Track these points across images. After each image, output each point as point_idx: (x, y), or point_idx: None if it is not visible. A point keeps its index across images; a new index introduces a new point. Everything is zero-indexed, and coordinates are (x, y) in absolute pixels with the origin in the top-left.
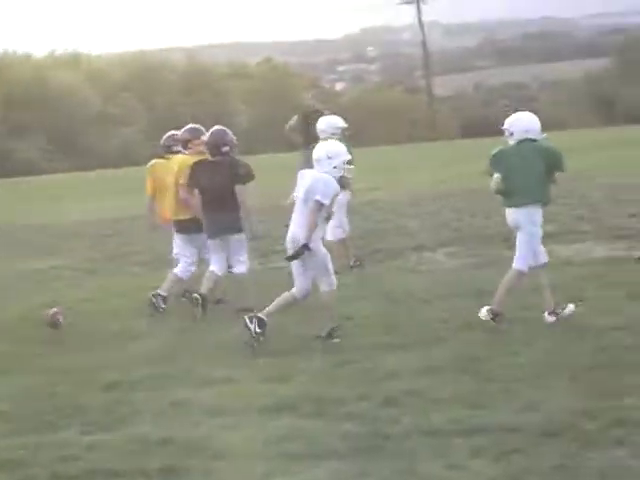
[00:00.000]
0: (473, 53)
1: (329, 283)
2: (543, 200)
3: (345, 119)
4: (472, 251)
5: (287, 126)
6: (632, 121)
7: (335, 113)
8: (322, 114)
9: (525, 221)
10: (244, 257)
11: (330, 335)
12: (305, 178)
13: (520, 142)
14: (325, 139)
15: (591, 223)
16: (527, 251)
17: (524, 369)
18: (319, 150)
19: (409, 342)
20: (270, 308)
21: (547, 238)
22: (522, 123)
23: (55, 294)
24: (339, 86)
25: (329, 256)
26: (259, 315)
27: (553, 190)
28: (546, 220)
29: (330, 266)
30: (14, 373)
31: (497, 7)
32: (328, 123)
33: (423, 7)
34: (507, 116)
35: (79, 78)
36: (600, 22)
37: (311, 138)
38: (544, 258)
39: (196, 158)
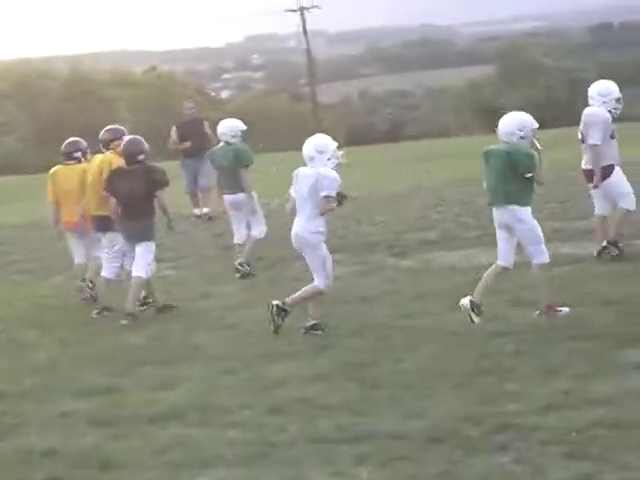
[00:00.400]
0: (357, 61)
1: (324, 283)
2: (509, 201)
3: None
4: (357, 258)
5: (170, 141)
6: None
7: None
8: (201, 122)
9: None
10: (149, 261)
11: (314, 328)
12: (302, 177)
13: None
14: (227, 142)
15: (475, 230)
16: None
17: (409, 375)
18: (308, 147)
19: (295, 350)
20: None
21: (431, 245)
22: (500, 125)
23: None
24: (225, 94)
25: (330, 257)
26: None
27: (435, 198)
28: (429, 227)
29: (329, 265)
30: None
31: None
32: (228, 127)
33: (307, 15)
34: (391, 123)
35: None
36: (480, 29)
37: (196, 146)
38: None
39: (118, 158)
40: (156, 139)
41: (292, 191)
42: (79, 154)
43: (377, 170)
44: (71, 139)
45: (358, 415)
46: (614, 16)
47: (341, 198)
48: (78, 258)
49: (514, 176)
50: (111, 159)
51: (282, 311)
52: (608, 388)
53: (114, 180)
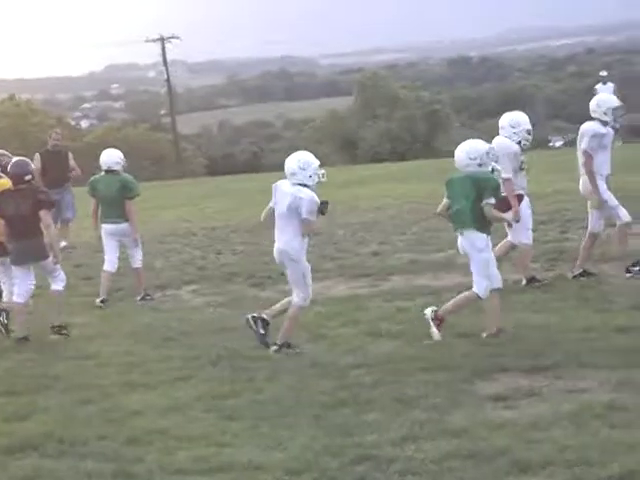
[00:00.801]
0: (218, 92)
1: (303, 297)
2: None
3: (92, 157)
4: (217, 289)
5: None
6: (374, 159)
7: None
8: (66, 154)
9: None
10: (60, 275)
11: (285, 345)
12: (281, 193)
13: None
14: (110, 172)
15: (334, 261)
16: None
17: (269, 406)
18: (290, 162)
19: (153, 381)
20: (276, 308)
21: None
22: (455, 158)
23: None
24: (85, 123)
25: (309, 269)
26: (263, 316)
27: None
28: None
29: (309, 280)
30: None
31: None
32: (111, 156)
33: (168, 45)
34: (251, 154)
35: None
36: (340, 61)
37: (59, 177)
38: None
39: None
40: None
41: (271, 203)
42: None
43: (238, 200)
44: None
45: (217, 446)
46: (472, 50)
47: (323, 208)
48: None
49: (477, 202)
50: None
51: (261, 320)
52: (463, 419)
53: (2, 202)
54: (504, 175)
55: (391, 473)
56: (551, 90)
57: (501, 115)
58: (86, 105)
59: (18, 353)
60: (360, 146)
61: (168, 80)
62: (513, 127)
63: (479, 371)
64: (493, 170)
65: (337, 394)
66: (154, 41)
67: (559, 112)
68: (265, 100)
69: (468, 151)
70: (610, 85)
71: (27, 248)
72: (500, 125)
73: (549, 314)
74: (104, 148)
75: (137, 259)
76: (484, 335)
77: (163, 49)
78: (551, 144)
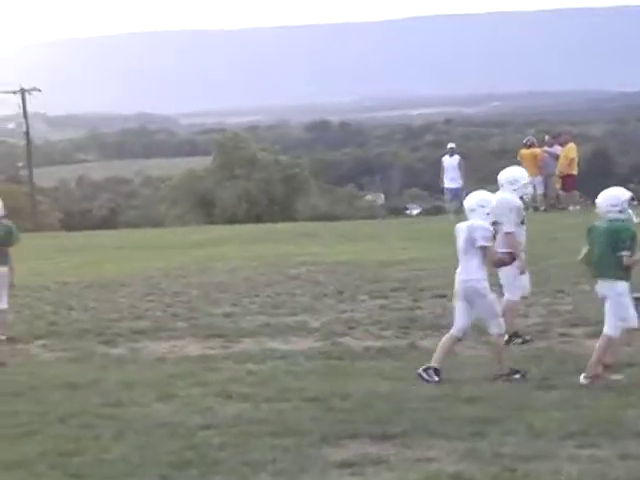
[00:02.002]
0: (77, 146)
1: (498, 325)
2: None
3: None
4: (67, 345)
5: None
6: (230, 220)
7: None
8: None
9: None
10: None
11: (512, 373)
12: (460, 231)
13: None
14: None
15: (186, 321)
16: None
17: (115, 465)
18: (470, 201)
19: None
20: (438, 355)
21: (141, 334)
22: (597, 203)
23: None
24: None
25: (497, 300)
26: (434, 366)
27: (147, 287)
28: (140, 317)
29: (499, 309)
30: None
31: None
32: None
33: (28, 98)
34: (108, 210)
35: None
36: (200, 120)
37: None
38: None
39: None
40: None
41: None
42: None
43: (92, 256)
44: None
45: None
46: (331, 114)
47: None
48: None
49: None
50: None
51: (434, 370)
52: None
53: None
54: (506, 229)
55: None
56: (409, 159)
57: (358, 180)
58: None
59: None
60: (217, 206)
61: (27, 132)
62: (512, 184)
63: (327, 436)
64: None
65: (184, 454)
66: (14, 93)
67: (416, 180)
68: (124, 156)
69: (610, 198)
70: (456, 157)
71: None
72: (499, 182)
73: (398, 382)
74: None
75: (4, 303)
76: (614, 377)
77: (23, 101)
78: (408, 212)
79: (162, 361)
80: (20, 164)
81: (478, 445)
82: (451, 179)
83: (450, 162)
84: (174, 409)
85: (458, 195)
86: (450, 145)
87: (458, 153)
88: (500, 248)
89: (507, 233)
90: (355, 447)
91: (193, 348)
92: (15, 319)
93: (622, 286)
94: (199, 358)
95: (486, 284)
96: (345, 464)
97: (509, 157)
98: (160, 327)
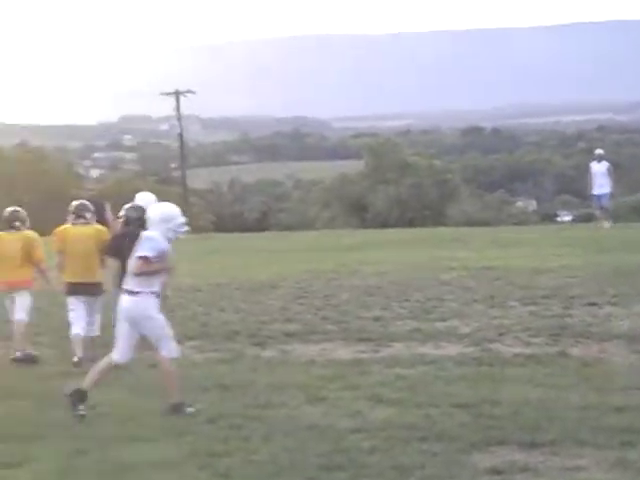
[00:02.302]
0: (229, 148)
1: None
2: None
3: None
4: (218, 346)
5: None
6: (382, 225)
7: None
8: (102, 205)
9: None
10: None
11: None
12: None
13: None
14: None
15: (336, 324)
16: None
17: (263, 467)
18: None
19: (148, 434)
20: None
21: (291, 336)
22: None
23: None
24: (94, 173)
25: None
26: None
27: (297, 290)
28: (291, 318)
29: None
30: None
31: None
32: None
33: (182, 100)
34: (260, 212)
35: None
36: (352, 125)
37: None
38: None
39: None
40: (29, 215)
41: None
42: (18, 223)
43: (244, 258)
44: (11, 209)
45: None
46: (486, 120)
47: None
48: (12, 315)
49: None
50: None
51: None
52: None
53: None
54: None
55: None
56: (561, 165)
57: (509, 186)
58: (97, 154)
59: (15, 399)
60: (369, 210)
61: (181, 134)
62: None
63: (476, 443)
64: None
65: (333, 457)
66: (169, 94)
67: (568, 187)
68: (276, 159)
69: None
70: (605, 163)
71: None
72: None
73: (548, 389)
74: (113, 199)
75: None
76: None
77: (178, 103)
78: (559, 218)
79: (312, 364)
80: (173, 165)
81: (628, 455)
82: (600, 185)
83: (598, 168)
84: (323, 412)
85: (606, 201)
86: (598, 151)
87: (606, 159)
88: None
89: None
90: (503, 454)
91: (343, 351)
92: (168, 319)
93: None
94: (349, 362)
95: None
96: (493, 471)
97: None
98: (310, 330)
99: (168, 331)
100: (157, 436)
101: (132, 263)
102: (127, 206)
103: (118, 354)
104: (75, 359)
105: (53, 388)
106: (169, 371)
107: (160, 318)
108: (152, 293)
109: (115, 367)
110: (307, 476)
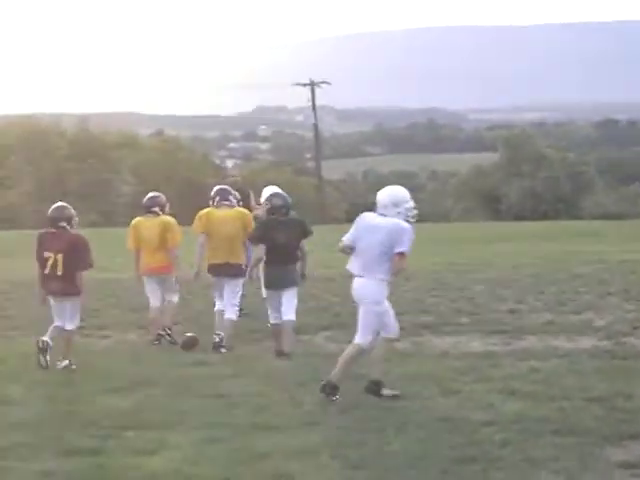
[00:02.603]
0: (363, 139)
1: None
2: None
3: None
4: (351, 336)
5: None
6: (516, 217)
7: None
8: (248, 194)
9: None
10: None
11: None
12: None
13: None
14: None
15: (470, 316)
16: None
17: (395, 458)
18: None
19: (282, 424)
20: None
21: (424, 329)
22: None
23: None
24: (229, 163)
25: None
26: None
27: (431, 281)
28: (424, 311)
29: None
30: None
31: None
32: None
33: (317, 91)
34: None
35: None
36: (487, 117)
37: None
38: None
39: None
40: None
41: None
42: (157, 209)
43: None
44: (152, 194)
45: None
46: (621, 112)
47: None
48: (154, 301)
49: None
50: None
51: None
52: None
53: None
54: None
55: None
56: None
57: None
58: (232, 144)
59: (150, 387)
60: (503, 202)
61: (316, 125)
62: None
63: (609, 436)
64: None
65: (466, 450)
66: (304, 85)
67: None
68: (410, 151)
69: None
70: None
71: None
72: None
73: None
74: (248, 188)
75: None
76: None
77: (313, 94)
78: None
79: (445, 356)
80: (308, 156)
81: None
82: None
83: None
84: (456, 404)
85: None
86: None
87: None
88: None
89: None
90: (637, 448)
91: (476, 344)
92: (302, 309)
93: None
94: (482, 354)
95: None
96: (626, 465)
97: None
98: (444, 322)
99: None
100: (290, 426)
101: (393, 259)
102: (270, 193)
103: (360, 338)
104: (216, 339)
105: (188, 376)
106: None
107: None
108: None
109: (362, 351)
110: (440, 468)
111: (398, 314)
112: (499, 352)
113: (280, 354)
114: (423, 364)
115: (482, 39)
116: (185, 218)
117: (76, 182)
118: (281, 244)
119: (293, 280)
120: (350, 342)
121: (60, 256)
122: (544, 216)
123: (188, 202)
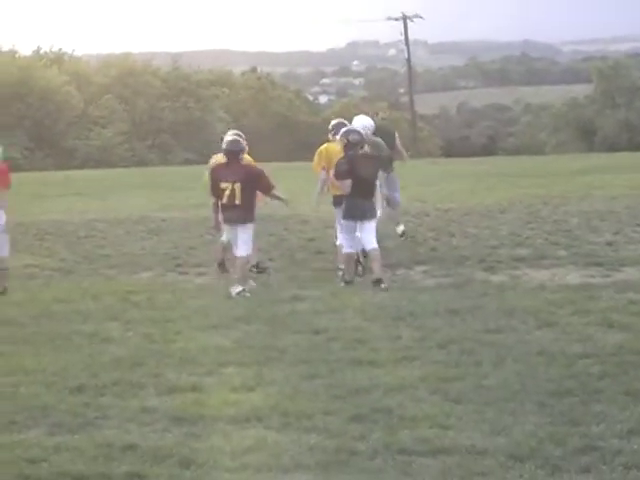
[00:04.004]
0: (457, 73)
1: None
2: None
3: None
4: (447, 271)
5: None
6: (611, 149)
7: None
8: (394, 135)
9: None
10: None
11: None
12: None
13: None
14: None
15: (566, 249)
16: None
17: (493, 392)
18: None
19: (379, 359)
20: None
21: (521, 261)
22: None
23: (27, 294)
24: (323, 99)
25: None
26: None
27: (527, 215)
28: (520, 244)
29: None
30: None
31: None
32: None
33: (410, 25)
34: (488, 137)
35: (63, 78)
36: (581, 48)
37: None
38: None
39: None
40: (258, 141)
41: None
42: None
43: (472, 183)
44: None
45: (440, 428)
46: None
47: None
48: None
49: None
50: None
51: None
52: None
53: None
54: None
55: (616, 465)
56: None
57: None
58: (325, 80)
59: (247, 324)
60: (598, 134)
61: (408, 59)
62: None
63: None
64: None
65: (564, 383)
66: (396, 20)
67: None
68: (504, 84)
69: None
70: None
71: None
72: None
73: None
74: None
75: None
76: None
77: (405, 28)
78: None
79: (542, 289)
80: (401, 90)
81: None
82: None
83: None
84: (553, 337)
85: None
86: None
87: None
88: None
89: None
90: None
91: (573, 276)
92: (396, 245)
93: None
94: (579, 286)
95: None
96: None
97: None
98: (540, 255)
99: None
100: (388, 360)
101: None
102: (345, 129)
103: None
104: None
105: (285, 312)
106: None
107: None
108: None
109: None
110: (538, 401)
111: (494, 247)
112: (596, 284)
113: (378, 282)
114: (520, 297)
115: None
116: (280, 155)
117: (170, 121)
118: (364, 178)
119: (374, 212)
120: (447, 276)
121: (238, 185)
122: (639, 148)
123: (281, 139)
